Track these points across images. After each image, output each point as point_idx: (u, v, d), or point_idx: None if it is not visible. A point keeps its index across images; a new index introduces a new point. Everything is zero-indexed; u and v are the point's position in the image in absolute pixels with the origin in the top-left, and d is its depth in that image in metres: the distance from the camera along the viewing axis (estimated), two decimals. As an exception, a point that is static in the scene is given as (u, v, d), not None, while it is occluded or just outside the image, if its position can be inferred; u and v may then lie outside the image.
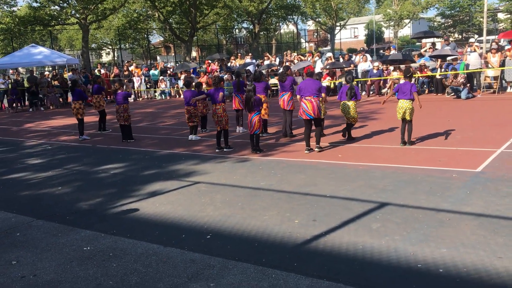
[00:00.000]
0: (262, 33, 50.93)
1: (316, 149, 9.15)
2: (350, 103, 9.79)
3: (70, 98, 22.92)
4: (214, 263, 4.52)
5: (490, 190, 6.10)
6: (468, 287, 3.79)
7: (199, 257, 4.70)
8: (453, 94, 16.18)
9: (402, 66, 18.19)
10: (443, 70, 17.39)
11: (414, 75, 9.56)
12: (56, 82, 24.18)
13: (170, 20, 37.26)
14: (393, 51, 21.00)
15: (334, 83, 19.79)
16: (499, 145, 8.57)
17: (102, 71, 25.48)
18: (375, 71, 18.85)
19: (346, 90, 9.85)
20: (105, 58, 70.37)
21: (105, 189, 7.64)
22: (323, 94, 9.44)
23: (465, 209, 5.50)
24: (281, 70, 14.20)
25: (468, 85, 15.92)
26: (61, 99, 23.64)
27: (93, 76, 21.69)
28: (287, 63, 21.40)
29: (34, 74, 25.74)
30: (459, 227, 4.99)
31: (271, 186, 7.08)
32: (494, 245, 4.48)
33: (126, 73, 24.43)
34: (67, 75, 24.41)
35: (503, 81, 17.05)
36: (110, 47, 60.22)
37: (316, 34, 68.39)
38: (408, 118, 9.01)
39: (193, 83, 11.79)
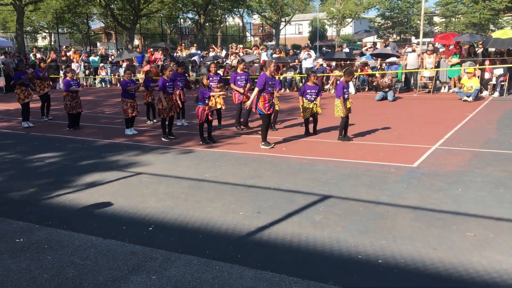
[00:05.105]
0: (207, 24, 50.31)
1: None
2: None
3: (1, 82, 21.73)
4: (156, 256, 4.40)
5: (425, 184, 6.38)
6: (405, 276, 3.94)
7: (141, 249, 4.56)
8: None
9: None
10: (381, 69, 17.95)
11: (349, 74, 9.39)
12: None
13: (112, 6, 35.88)
14: (345, 49, 21.34)
15: (279, 78, 19.93)
16: (434, 142, 8.99)
17: (38, 55, 24.19)
18: (318, 67, 19.16)
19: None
20: (41, 42, 66.81)
21: (39, 178, 7.25)
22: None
23: (402, 202, 5.72)
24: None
25: (394, 87, 16.00)
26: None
27: (29, 60, 20.52)
28: (232, 56, 21.32)
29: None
30: (396, 219, 5.18)
31: (215, 178, 7.01)
32: (430, 236, 4.68)
33: (64, 58, 23.36)
34: (-2, 58, 22.91)
35: (438, 81, 17.92)
36: (47, 31, 57.26)
37: (261, 28, 68.60)
38: (335, 114, 9.41)
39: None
